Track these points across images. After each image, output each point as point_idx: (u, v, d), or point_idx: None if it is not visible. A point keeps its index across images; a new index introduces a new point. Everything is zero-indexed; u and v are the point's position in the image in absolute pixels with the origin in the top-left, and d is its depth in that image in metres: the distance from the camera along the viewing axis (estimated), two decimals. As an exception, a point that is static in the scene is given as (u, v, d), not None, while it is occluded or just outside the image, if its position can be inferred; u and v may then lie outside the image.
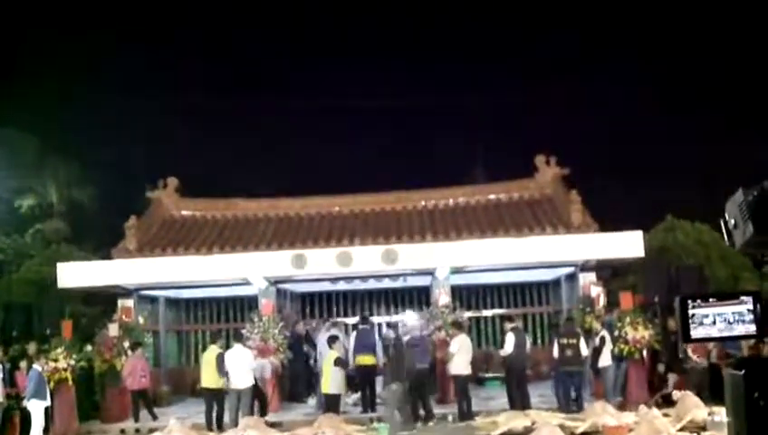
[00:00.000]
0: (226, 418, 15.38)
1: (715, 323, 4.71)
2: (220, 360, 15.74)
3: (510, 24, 46.21)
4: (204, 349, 21.99)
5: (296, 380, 19.25)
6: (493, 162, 32.70)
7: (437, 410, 16.36)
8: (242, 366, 15.45)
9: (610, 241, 17.87)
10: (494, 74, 45.69)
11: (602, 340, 16.36)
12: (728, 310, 4.74)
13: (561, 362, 15.73)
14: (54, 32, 38.58)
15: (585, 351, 15.96)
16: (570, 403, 15.44)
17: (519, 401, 15.41)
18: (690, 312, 4.64)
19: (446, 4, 47.94)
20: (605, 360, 16.33)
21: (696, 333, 4.73)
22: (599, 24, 43.10)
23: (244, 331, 17.75)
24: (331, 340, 16.35)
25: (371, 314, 21.92)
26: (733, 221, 4.06)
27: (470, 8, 47.15)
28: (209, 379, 15.79)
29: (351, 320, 21.89)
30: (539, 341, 21.92)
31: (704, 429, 11.85)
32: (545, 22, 44.51)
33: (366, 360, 17.08)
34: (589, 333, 16.73)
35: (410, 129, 45.43)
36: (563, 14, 44.06)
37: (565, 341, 15.77)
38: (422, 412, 15.77)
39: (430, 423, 15.59)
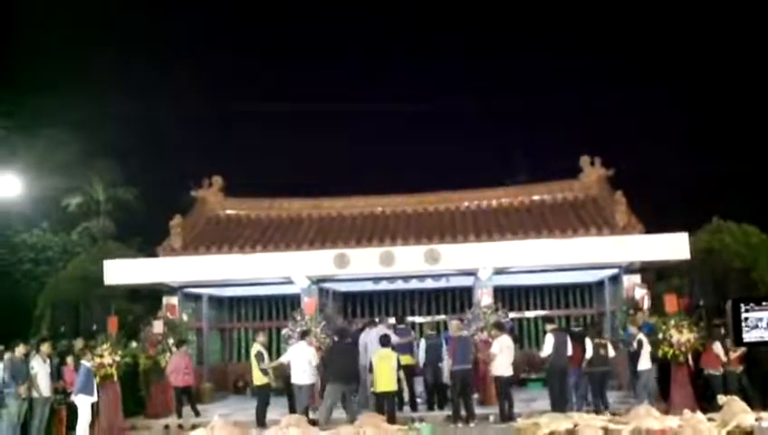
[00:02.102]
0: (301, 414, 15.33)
1: (769, 326, 4.63)
2: (259, 357, 16.00)
3: (557, 23, 45.89)
4: (247, 347, 22.28)
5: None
6: (537, 163, 32.58)
7: (479, 410, 16.32)
8: (303, 362, 15.62)
9: (656, 243, 17.69)
10: (537, 73, 45.40)
11: (640, 343, 16.24)
12: (783, 313, 4.66)
13: (594, 363, 15.96)
14: (100, 35, 39.13)
15: (612, 352, 16.35)
16: (600, 403, 15.76)
17: (559, 403, 15.33)
18: (743, 315, 4.56)
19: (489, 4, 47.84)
20: (644, 363, 16.21)
21: (750, 336, 4.66)
22: (642, 24, 42.67)
23: (294, 327, 17.85)
24: (385, 338, 16.17)
25: (413, 314, 21.96)
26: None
27: (512, 5, 46.94)
28: (257, 376, 16.15)
29: (392, 320, 21.93)
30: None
31: (750, 434, 11.66)
32: (590, 21, 44.14)
33: (405, 359, 17.05)
34: (633, 336, 16.66)
35: (452, 129, 45.37)
36: (611, 13, 43.65)
37: (597, 341, 16.13)
38: (464, 413, 15.75)
39: (471, 424, 15.55)
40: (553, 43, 45.07)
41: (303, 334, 16.35)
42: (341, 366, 15.42)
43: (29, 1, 35.60)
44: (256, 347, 16.34)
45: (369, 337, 17.16)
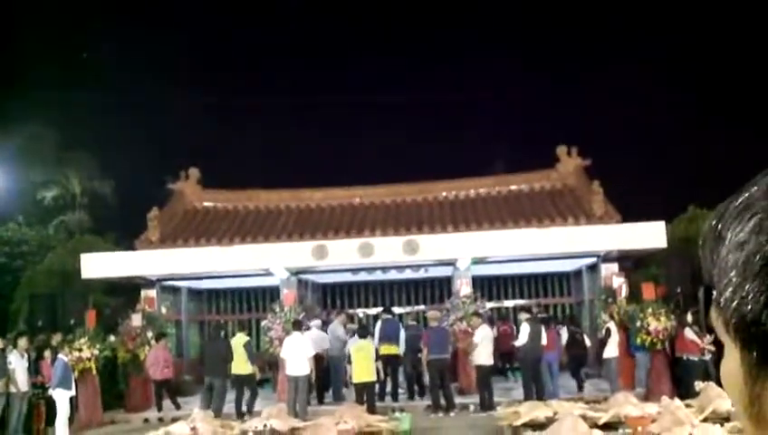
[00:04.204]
0: (282, 405, 15.39)
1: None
2: (249, 347, 16.16)
3: (534, 15, 45.98)
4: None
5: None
6: (514, 153, 32.69)
7: (459, 400, 16.39)
8: (299, 353, 15.60)
9: (633, 232, 17.80)
10: (515, 66, 45.47)
11: (608, 331, 16.44)
12: (753, 300, 4.72)
13: (570, 348, 16.98)
14: (76, 27, 38.81)
15: (588, 341, 17.40)
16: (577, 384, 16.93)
17: (535, 392, 15.45)
18: (714, 302, 4.63)
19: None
20: (610, 351, 16.40)
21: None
22: (623, 15, 42.83)
23: (273, 319, 17.88)
24: (363, 330, 16.40)
25: (392, 305, 22.02)
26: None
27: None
28: (238, 365, 16.11)
29: (373, 311, 22.04)
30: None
31: (727, 419, 11.77)
32: (568, 12, 44.25)
33: (389, 349, 17.10)
34: (602, 324, 17.02)
35: (433, 120, 45.42)
36: (587, 4, 43.79)
37: (573, 328, 17.19)
38: (443, 402, 15.81)
39: (451, 413, 15.62)
40: (528, 32, 45.21)
41: (296, 325, 16.30)
42: (210, 361, 16.14)
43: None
44: (245, 337, 16.44)
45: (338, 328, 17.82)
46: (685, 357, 16.25)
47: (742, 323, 0.88)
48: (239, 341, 16.45)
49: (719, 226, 0.93)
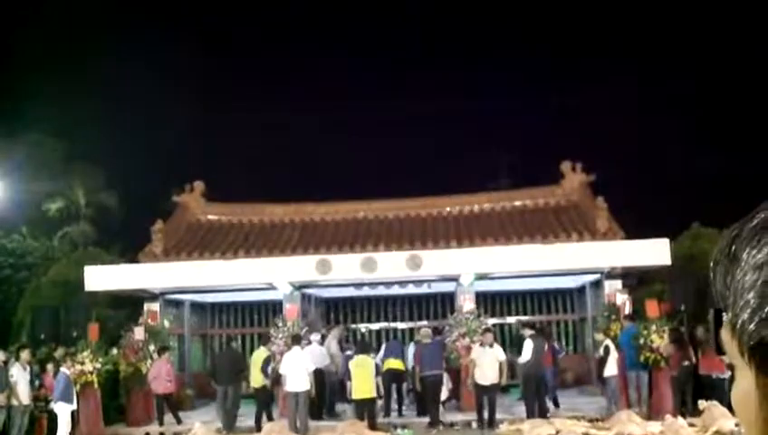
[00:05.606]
0: (285, 421, 15.46)
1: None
2: (267, 362, 16.39)
3: (538, 29, 46.06)
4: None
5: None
6: (518, 169, 32.69)
7: (461, 417, 16.32)
8: (299, 369, 15.55)
9: (636, 248, 17.75)
10: (519, 80, 45.54)
11: (606, 350, 16.32)
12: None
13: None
14: (82, 39, 38.95)
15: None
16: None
17: (537, 409, 15.37)
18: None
19: (469, 9, 47.96)
20: (610, 370, 16.28)
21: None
22: (627, 30, 42.90)
23: (276, 333, 17.90)
24: (364, 346, 16.46)
25: (395, 320, 22.03)
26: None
27: (496, 10, 47.10)
28: (256, 379, 16.35)
29: (375, 326, 22.01)
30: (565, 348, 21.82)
31: (730, 439, 11.72)
32: (574, 28, 44.33)
33: (395, 364, 17.04)
34: (600, 342, 16.88)
35: (436, 134, 45.41)
36: (592, 19, 43.87)
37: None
38: (446, 419, 15.76)
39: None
40: (537, 44, 45.29)
41: (295, 340, 16.22)
42: (222, 371, 16.46)
43: (7, 8, 35.40)
44: (265, 352, 16.68)
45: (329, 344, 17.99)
46: (714, 376, 15.99)
47: (760, 345, 0.85)
48: (260, 355, 16.65)
49: (733, 246, 0.91)
